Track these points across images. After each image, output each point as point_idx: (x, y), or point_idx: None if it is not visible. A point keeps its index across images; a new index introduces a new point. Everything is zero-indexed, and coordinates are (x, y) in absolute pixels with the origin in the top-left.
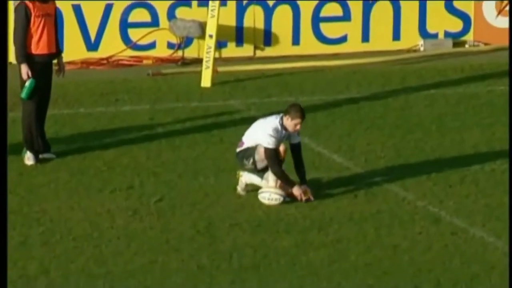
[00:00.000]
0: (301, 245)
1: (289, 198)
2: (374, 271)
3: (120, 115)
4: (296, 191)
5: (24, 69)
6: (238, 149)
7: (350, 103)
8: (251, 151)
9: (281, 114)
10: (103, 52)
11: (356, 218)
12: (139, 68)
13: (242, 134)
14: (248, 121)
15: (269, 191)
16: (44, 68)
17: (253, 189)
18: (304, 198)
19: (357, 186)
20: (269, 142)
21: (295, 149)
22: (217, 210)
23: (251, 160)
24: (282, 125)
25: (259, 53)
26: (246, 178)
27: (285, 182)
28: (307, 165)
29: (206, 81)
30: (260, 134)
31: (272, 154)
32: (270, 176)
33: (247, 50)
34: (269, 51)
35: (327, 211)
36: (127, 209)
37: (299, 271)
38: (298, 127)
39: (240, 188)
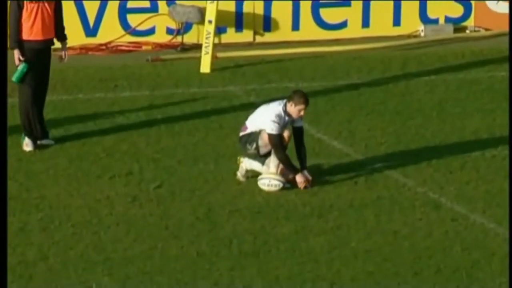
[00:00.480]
0: (301, 231)
1: (289, 184)
2: (374, 257)
3: (119, 101)
4: (299, 178)
5: (16, 55)
6: (241, 133)
7: (350, 89)
8: (254, 136)
9: (284, 100)
10: (102, 37)
11: (356, 205)
12: (138, 53)
13: (242, 120)
14: (248, 107)
15: (269, 177)
16: (39, 54)
17: (253, 175)
18: (303, 186)
19: (357, 173)
20: (273, 128)
21: (297, 133)
22: (217, 196)
23: (254, 145)
24: (285, 111)
25: (258, 39)
26: (246, 164)
27: (289, 168)
28: (307, 152)
29: (205, 66)
30: (264, 120)
31: (277, 140)
32: (271, 162)
33: (246, 35)
34: (268, 37)
35: (327, 197)
36: (126, 196)
37: (299, 258)
38: (302, 113)
39: (240, 174)
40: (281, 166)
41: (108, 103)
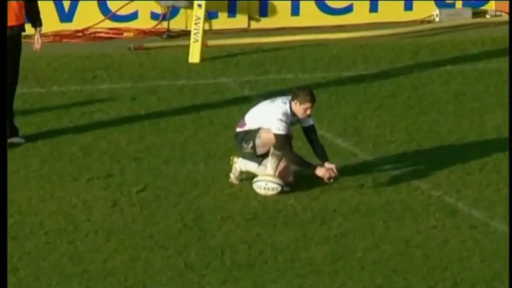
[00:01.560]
0: (301, 240)
1: (288, 188)
2: (383, 269)
3: (97, 94)
4: (319, 171)
5: None
6: (238, 129)
7: (357, 81)
8: (252, 134)
9: (289, 97)
10: (78, 23)
11: (363, 210)
12: (119, 41)
13: (235, 116)
14: (242, 101)
15: (265, 179)
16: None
17: (248, 178)
18: (327, 176)
19: (364, 174)
20: (280, 128)
21: (309, 132)
22: (207, 201)
23: (251, 144)
24: (291, 109)
25: (254, 25)
26: (241, 164)
27: (305, 166)
28: (308, 150)
29: (194, 56)
30: (268, 118)
31: (285, 141)
32: (269, 162)
33: (240, 21)
34: (265, 23)
35: (330, 202)
36: (106, 200)
37: (299, 269)
38: (308, 111)
39: (233, 176)
40: (279, 168)
41: (86, 96)
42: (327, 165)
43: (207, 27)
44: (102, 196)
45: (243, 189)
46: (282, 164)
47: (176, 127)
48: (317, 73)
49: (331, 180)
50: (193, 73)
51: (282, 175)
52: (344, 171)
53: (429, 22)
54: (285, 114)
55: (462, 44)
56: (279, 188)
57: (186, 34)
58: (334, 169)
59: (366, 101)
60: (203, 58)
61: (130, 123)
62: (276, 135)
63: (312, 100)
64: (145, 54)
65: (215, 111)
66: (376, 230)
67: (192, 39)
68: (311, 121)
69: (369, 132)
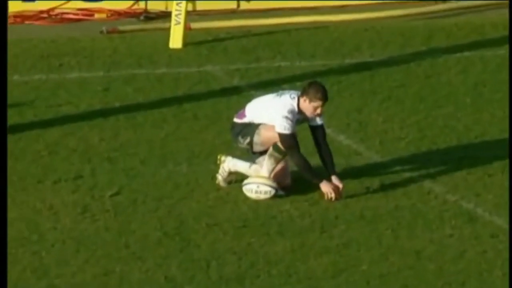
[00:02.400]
0: (298, 250)
1: (283, 191)
2: (391, 283)
3: (65, 84)
4: (325, 187)
5: None
6: (236, 120)
7: (361, 69)
8: (251, 128)
9: (298, 92)
10: (42, 3)
11: (369, 217)
12: (89, 23)
13: (222, 109)
14: (230, 92)
15: (257, 181)
16: None
17: (238, 180)
18: (330, 197)
19: (370, 176)
20: (286, 127)
21: (317, 133)
22: (191, 206)
23: (248, 140)
24: (298, 107)
25: (244, 5)
26: (229, 164)
27: (310, 174)
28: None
29: (176, 40)
30: (272, 114)
31: (291, 141)
32: (265, 164)
33: (228, 1)
34: (257, 3)
35: (332, 207)
36: (75, 205)
37: (296, 284)
38: (318, 111)
39: (221, 177)
40: (275, 170)
41: (51, 87)
42: (334, 180)
43: (190, 7)
44: (71, 200)
45: (232, 193)
46: (279, 165)
47: (155, 122)
48: (316, 60)
49: (329, 200)
50: (175, 60)
51: (278, 177)
52: (347, 172)
53: (444, 1)
54: (291, 111)
55: (481, 27)
56: (273, 192)
57: (166, 15)
58: (340, 190)
59: (372, 92)
60: (186, 43)
61: (102, 117)
62: (281, 135)
63: (324, 98)
64: (119, 39)
65: (199, 104)
66: (383, 240)
67: (173, 22)
68: (320, 121)
69: (375, 128)
